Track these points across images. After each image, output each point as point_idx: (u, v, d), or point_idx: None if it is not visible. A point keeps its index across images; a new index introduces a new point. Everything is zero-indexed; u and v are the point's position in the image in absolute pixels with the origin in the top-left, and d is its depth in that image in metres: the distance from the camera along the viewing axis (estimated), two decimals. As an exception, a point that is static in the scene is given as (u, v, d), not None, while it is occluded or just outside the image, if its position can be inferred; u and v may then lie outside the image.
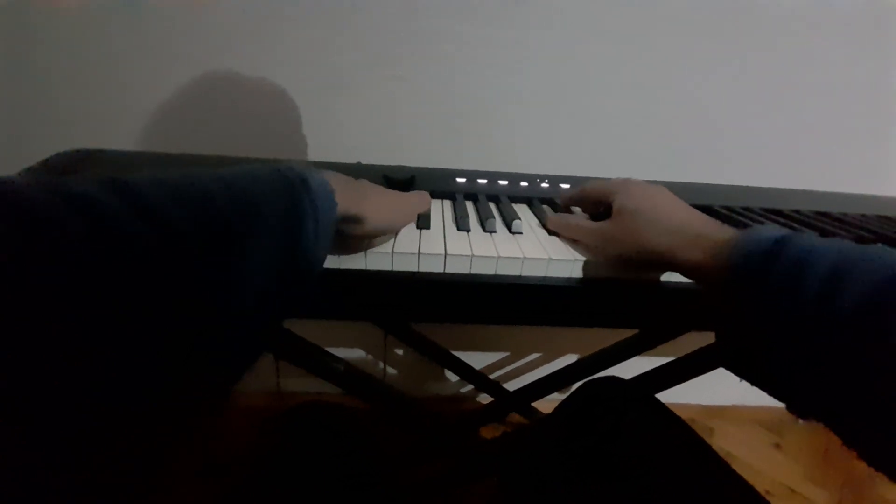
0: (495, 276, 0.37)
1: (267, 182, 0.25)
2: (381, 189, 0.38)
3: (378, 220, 0.34)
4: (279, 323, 0.27)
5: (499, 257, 0.37)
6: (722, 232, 0.31)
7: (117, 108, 0.67)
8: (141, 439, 0.19)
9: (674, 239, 0.32)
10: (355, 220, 0.32)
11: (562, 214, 0.45)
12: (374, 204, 0.34)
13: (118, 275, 0.16)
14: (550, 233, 0.44)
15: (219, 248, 0.20)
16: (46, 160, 0.51)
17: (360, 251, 0.36)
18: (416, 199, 0.41)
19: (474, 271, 0.37)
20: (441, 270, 0.37)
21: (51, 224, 0.15)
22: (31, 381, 0.14)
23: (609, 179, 0.42)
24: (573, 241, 0.41)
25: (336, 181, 0.30)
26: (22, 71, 0.64)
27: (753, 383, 0.31)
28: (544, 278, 0.38)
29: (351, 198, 0.31)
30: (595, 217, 0.42)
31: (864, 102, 0.73)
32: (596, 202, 0.43)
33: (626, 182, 0.40)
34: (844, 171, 0.78)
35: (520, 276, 0.37)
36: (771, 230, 0.28)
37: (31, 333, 0.14)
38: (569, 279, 0.38)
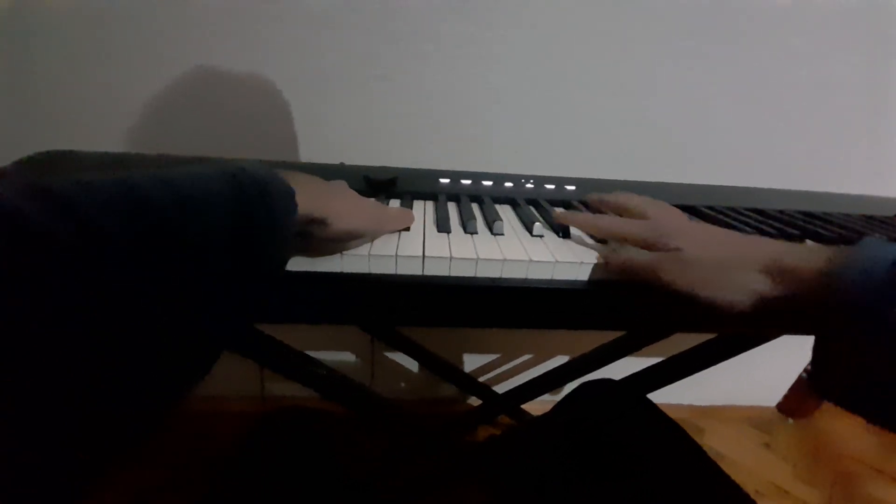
0: (474, 279, 0.36)
1: (214, 184, 0.24)
2: (350, 192, 0.37)
3: (344, 223, 0.33)
4: (241, 325, 0.26)
5: (478, 259, 0.36)
6: (808, 255, 0.29)
7: (104, 109, 0.66)
8: (97, 437, 0.19)
9: (768, 278, 0.30)
10: (319, 222, 0.31)
11: (609, 246, 0.39)
12: (341, 206, 0.33)
13: (40, 283, 0.16)
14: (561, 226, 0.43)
15: (154, 252, 0.20)
16: (20, 160, 0.49)
17: (333, 254, 0.35)
18: (394, 213, 0.40)
19: (454, 273, 0.36)
20: (420, 273, 0.36)
21: None
22: None
23: (622, 205, 0.41)
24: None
25: (298, 182, 0.29)
26: (14, 71, 0.63)
27: (854, 410, 0.29)
28: (525, 280, 0.37)
29: (314, 200, 0.30)
30: None
31: (857, 102, 0.72)
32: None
33: (659, 219, 0.37)
34: (836, 171, 0.78)
35: (499, 279, 0.37)
36: (875, 250, 0.26)
37: None
38: (551, 281, 0.37)
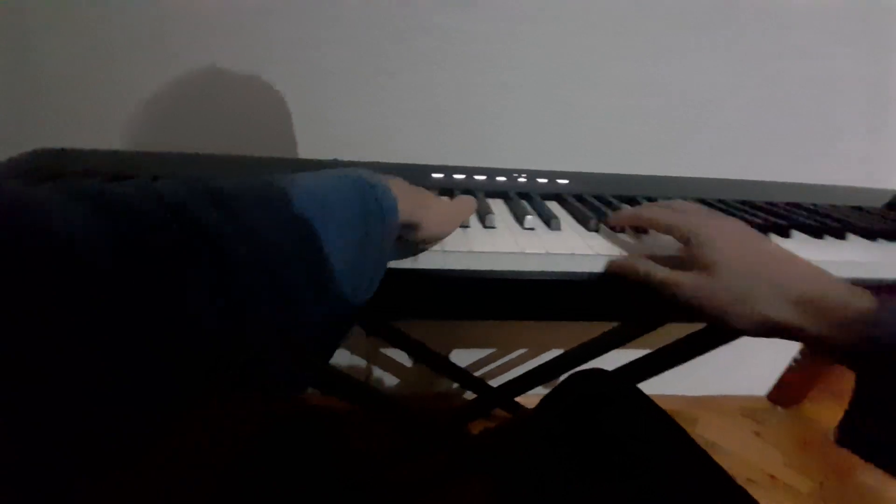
0: (467, 272, 0.37)
1: (343, 189, 0.26)
2: (436, 197, 0.38)
3: (434, 227, 0.34)
4: (343, 333, 0.27)
5: (471, 252, 0.37)
6: (850, 296, 0.28)
7: (104, 107, 0.65)
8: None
9: (800, 312, 0.29)
10: (413, 226, 0.32)
11: (632, 256, 0.38)
12: (431, 211, 0.34)
13: (207, 276, 0.17)
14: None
15: (302, 253, 0.21)
16: (12, 158, 0.49)
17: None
18: (465, 206, 0.41)
19: (448, 266, 0.37)
20: (413, 267, 0.37)
21: (150, 227, 0.16)
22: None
23: (676, 209, 0.38)
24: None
25: (397, 188, 0.30)
26: (16, 70, 0.62)
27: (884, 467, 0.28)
28: (518, 272, 0.37)
29: (411, 205, 0.31)
30: None
31: (856, 96, 0.73)
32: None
33: (709, 225, 0.34)
34: (837, 164, 0.78)
35: (493, 271, 0.37)
36: None
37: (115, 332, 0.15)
38: (542, 273, 0.38)
